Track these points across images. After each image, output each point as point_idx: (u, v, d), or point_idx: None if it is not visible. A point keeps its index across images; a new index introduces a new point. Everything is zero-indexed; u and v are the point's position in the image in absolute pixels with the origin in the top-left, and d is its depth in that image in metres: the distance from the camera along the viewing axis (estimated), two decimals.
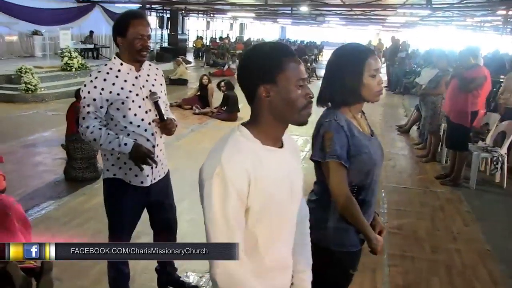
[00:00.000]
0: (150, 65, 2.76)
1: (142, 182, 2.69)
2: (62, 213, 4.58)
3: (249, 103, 1.47)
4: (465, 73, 5.52)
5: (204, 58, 22.99)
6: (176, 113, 9.92)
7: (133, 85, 2.61)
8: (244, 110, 8.18)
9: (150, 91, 2.65)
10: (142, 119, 2.62)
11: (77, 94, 7.20)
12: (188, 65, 20.83)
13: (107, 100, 2.56)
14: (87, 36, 18.47)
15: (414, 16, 21.06)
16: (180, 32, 24.28)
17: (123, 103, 2.57)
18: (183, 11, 24.66)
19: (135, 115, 2.60)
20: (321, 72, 19.42)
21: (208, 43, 26.64)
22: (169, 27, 24.00)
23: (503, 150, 5.88)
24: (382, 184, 5.78)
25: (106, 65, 2.68)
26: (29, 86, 10.53)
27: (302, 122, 1.46)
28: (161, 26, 24.50)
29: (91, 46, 18.29)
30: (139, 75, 2.64)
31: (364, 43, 23.27)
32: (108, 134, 2.57)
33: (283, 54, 1.42)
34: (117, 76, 2.59)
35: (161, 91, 2.75)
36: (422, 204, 5.23)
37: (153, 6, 22.83)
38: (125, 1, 19.93)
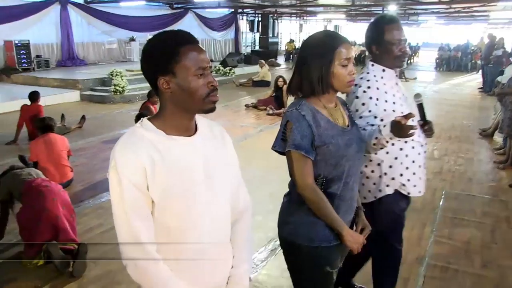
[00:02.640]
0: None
1: (420, 192, 2.56)
2: None
3: (156, 94, 1.46)
4: None
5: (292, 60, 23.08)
6: (251, 113, 10.14)
7: (397, 91, 2.48)
8: None
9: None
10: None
11: (148, 94, 7.68)
12: (277, 68, 21.11)
13: (385, 110, 2.36)
14: None
15: None
16: (271, 35, 24.56)
17: (393, 110, 2.36)
18: (274, 15, 24.93)
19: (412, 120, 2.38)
20: (412, 74, 18.78)
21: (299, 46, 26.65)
22: (260, 30, 24.39)
23: None
24: (444, 190, 5.39)
25: (368, 73, 2.47)
26: (117, 88, 11.33)
27: (208, 110, 1.43)
28: (251, 29, 25.00)
29: None
30: (398, 82, 2.52)
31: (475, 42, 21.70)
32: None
33: (180, 43, 1.38)
34: (384, 84, 2.43)
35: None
36: (484, 214, 4.76)
37: (244, 10, 23.36)
38: (216, 6, 20.58)
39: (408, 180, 2.47)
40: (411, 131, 1.99)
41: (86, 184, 5.50)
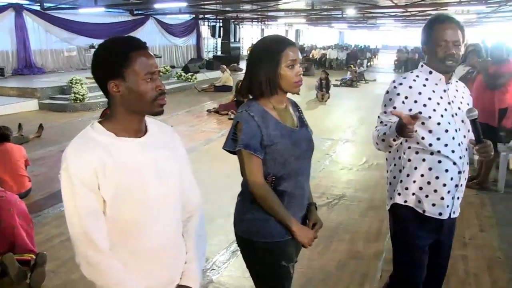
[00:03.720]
0: (457, 81, 2.38)
1: (440, 214, 2.26)
2: None
3: (106, 97, 1.50)
4: (491, 68, 5.21)
5: None
6: (213, 118, 10.17)
7: (441, 97, 2.23)
8: None
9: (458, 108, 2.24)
10: (453, 138, 2.19)
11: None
12: (239, 72, 21.19)
13: (410, 110, 2.17)
14: None
15: (472, 14, 20.09)
16: (233, 40, 24.65)
17: (429, 117, 2.17)
18: (236, 20, 25.03)
19: (446, 131, 2.19)
20: (372, 76, 19.24)
21: None
22: (221, 36, 24.44)
23: None
24: None
25: (412, 72, 2.35)
26: (77, 96, 11.15)
27: (156, 113, 1.50)
28: (213, 35, 25.03)
29: None
30: (448, 88, 2.26)
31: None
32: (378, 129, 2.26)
33: (130, 49, 1.43)
34: (424, 85, 2.25)
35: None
36: None
37: (205, 15, 23.37)
38: (177, 12, 20.53)
39: (426, 196, 2.23)
40: (410, 133, 1.97)
41: (46, 194, 5.40)
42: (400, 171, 2.31)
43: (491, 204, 5.06)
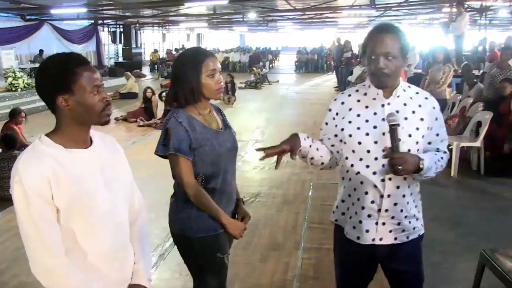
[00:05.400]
0: (417, 93, 2.11)
1: (358, 238, 2.09)
2: None
3: (52, 112, 1.57)
4: None
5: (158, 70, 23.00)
6: (121, 126, 10.00)
7: (374, 113, 2.03)
8: None
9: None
10: (376, 158, 1.99)
11: (11, 113, 7.22)
12: (143, 79, 20.88)
13: (336, 126, 2.11)
14: (37, 55, 18.18)
15: (363, 17, 21.57)
16: (134, 46, 24.22)
17: (350, 135, 2.04)
18: (136, 25, 24.60)
19: (368, 151, 2.01)
20: (274, 77, 19.89)
21: (164, 56, 26.62)
22: (122, 42, 23.88)
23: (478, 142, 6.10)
24: (312, 182, 5.96)
25: (355, 86, 2.21)
26: None
27: (104, 122, 1.60)
28: (114, 41, 24.39)
29: None
30: (388, 103, 2.02)
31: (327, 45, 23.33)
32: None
33: (76, 64, 1.52)
34: (358, 101, 2.08)
35: None
36: None
37: (105, 21, 22.70)
38: (75, 18, 19.73)
39: (350, 217, 2.11)
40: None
41: None
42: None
43: None
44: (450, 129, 6.40)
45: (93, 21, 22.33)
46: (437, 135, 2.08)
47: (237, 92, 14.03)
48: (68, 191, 1.49)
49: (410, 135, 1.99)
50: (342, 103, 2.12)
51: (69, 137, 1.56)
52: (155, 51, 27.23)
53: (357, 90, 2.13)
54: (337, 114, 2.11)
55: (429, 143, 2.06)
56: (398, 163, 1.87)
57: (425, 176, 1.97)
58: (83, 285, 1.52)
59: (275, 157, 2.03)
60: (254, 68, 19.40)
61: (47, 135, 1.57)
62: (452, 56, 10.03)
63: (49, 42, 18.96)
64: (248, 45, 38.04)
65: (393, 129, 1.90)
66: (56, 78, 1.50)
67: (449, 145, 2.46)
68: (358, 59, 11.75)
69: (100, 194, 1.58)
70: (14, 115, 6.98)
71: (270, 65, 27.83)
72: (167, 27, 29.67)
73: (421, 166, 1.91)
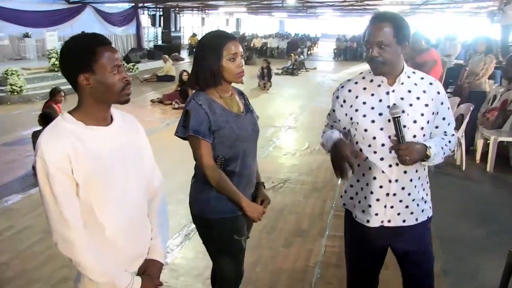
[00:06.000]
0: (422, 78, 2.12)
1: (368, 221, 2.14)
2: (24, 205, 4.81)
3: (74, 90, 1.63)
4: (417, 58, 5.62)
5: None
6: (157, 108, 10.17)
7: (380, 101, 2.05)
8: None
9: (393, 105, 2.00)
10: (382, 144, 2.03)
11: (51, 92, 7.45)
12: (181, 62, 21.08)
13: (346, 114, 2.14)
14: None
15: (406, 5, 21.03)
16: (173, 29, 24.42)
17: (357, 123, 2.08)
18: (176, 9, 24.77)
19: (374, 138, 2.04)
20: (312, 64, 19.72)
21: None
22: (162, 25, 24.13)
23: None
24: None
25: (361, 73, 2.20)
26: (14, 87, 10.76)
27: (124, 101, 1.65)
28: (153, 24, 24.66)
29: None
30: (393, 90, 2.04)
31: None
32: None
33: (97, 44, 1.58)
34: (364, 88, 2.11)
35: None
36: None
37: (145, 4, 22.96)
38: (116, 1, 20.06)
39: (359, 202, 2.15)
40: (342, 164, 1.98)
41: None
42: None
43: None
44: (488, 123, 6.21)
45: (133, 4, 22.59)
46: (444, 119, 2.12)
47: (273, 78, 13.98)
48: (87, 167, 1.55)
49: (415, 121, 2.02)
50: (349, 90, 2.15)
51: (90, 114, 1.62)
52: (194, 35, 27.40)
53: (363, 78, 2.15)
54: (344, 101, 2.15)
55: (436, 127, 2.11)
56: (404, 154, 1.93)
57: (434, 162, 2.04)
58: (98, 258, 1.59)
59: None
60: (292, 54, 19.30)
61: (69, 112, 1.63)
62: (498, 47, 9.65)
63: (91, 24, 19.30)
64: (287, 31, 37.78)
65: (396, 121, 1.94)
66: (78, 57, 1.56)
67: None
68: None
69: (118, 171, 1.64)
70: (54, 94, 7.18)
71: (309, 52, 27.61)
72: (206, 11, 29.79)
73: (428, 153, 1.98)
